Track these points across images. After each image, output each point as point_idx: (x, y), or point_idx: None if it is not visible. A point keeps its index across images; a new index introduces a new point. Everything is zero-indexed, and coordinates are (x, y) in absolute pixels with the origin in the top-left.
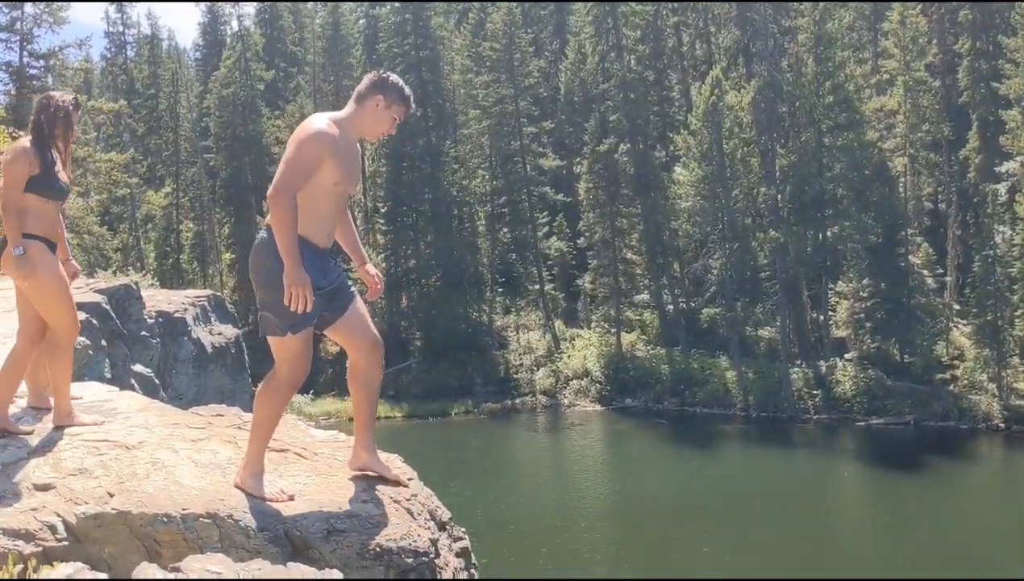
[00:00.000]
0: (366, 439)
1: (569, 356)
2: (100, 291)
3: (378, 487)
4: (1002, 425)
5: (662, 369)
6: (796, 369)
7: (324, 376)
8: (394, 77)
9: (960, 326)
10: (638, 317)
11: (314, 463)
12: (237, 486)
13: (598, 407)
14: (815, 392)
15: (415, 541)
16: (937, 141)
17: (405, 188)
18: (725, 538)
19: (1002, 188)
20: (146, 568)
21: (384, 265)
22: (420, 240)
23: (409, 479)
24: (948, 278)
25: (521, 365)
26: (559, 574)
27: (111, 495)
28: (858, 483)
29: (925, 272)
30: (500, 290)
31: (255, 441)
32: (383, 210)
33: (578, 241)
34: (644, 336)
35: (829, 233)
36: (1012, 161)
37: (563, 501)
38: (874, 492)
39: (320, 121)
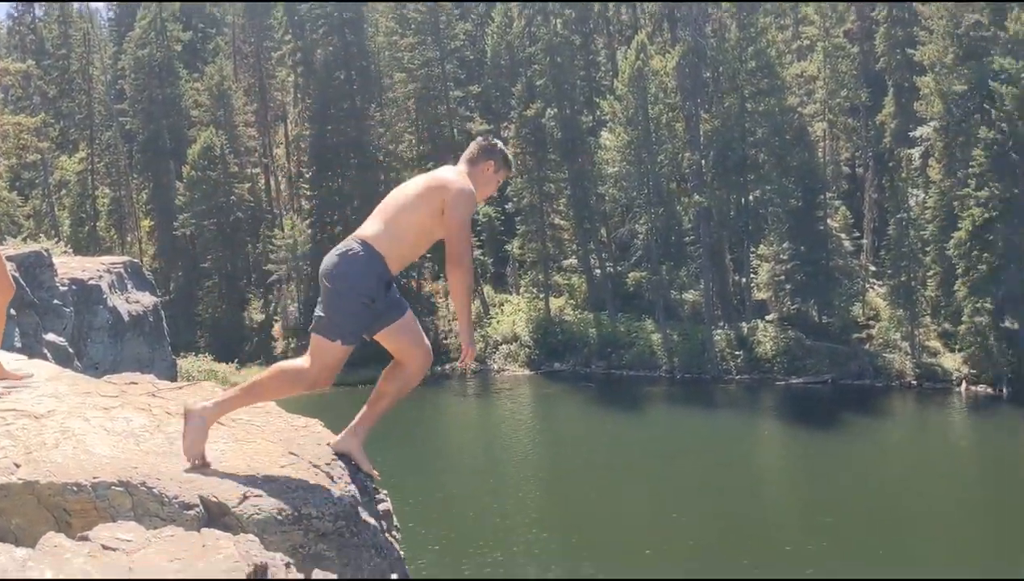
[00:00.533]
0: (365, 428)
1: (498, 321)
2: (8, 258)
3: (298, 452)
4: (914, 382)
5: (590, 333)
6: (719, 331)
7: (249, 345)
8: (500, 144)
9: (876, 287)
10: (566, 282)
11: (232, 429)
12: (187, 409)
13: (527, 371)
14: (737, 353)
15: (335, 505)
16: (855, 106)
17: (330, 152)
18: (652, 498)
19: (916, 153)
20: (52, 537)
21: (310, 231)
22: (346, 205)
23: (329, 443)
24: (864, 241)
25: (451, 331)
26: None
27: (18, 465)
28: (779, 441)
29: (843, 235)
30: (428, 256)
31: (238, 399)
32: (307, 175)
33: (506, 206)
34: (572, 300)
35: (751, 197)
36: (926, 126)
37: (492, 464)
38: (794, 449)
39: (466, 180)
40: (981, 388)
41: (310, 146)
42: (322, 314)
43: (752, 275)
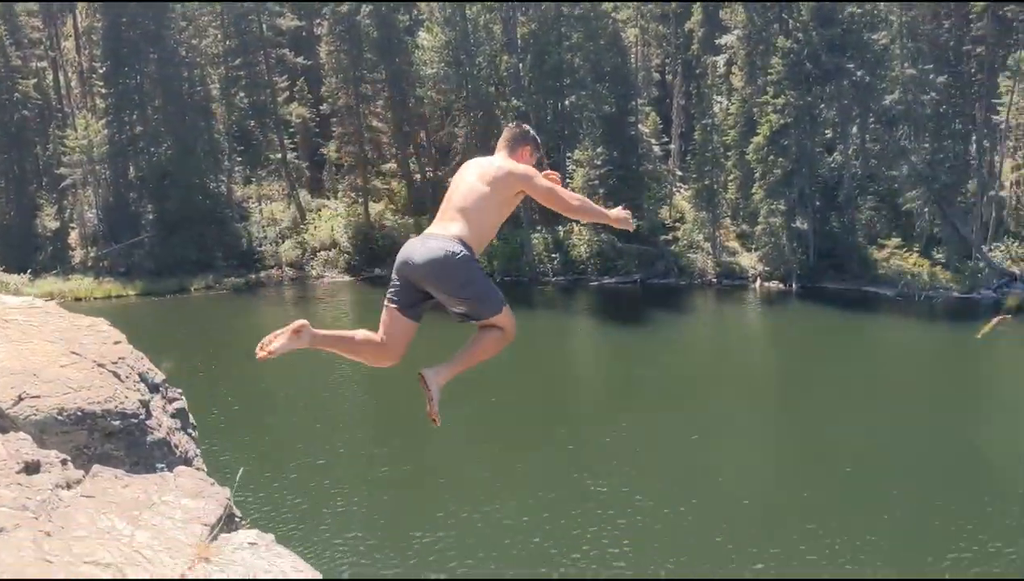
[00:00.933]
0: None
1: (316, 227)
2: None
3: (82, 351)
4: (714, 280)
5: (410, 238)
6: (536, 235)
7: (43, 255)
8: (531, 129)
9: (682, 191)
10: (385, 186)
11: (4, 330)
12: (422, 373)
13: (347, 278)
14: (554, 256)
15: (122, 403)
16: (665, 13)
17: (126, 47)
18: (465, 397)
19: (720, 60)
20: None
21: (106, 132)
22: (147, 104)
23: (116, 342)
24: (672, 146)
25: (265, 237)
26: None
27: None
28: (591, 338)
29: (652, 141)
30: (239, 159)
31: (462, 364)
32: (101, 71)
33: (321, 107)
34: (392, 206)
35: (567, 102)
36: (730, 34)
37: (306, 371)
38: (606, 345)
39: (519, 164)
40: (774, 284)
41: (103, 39)
42: (475, 306)
43: (568, 180)
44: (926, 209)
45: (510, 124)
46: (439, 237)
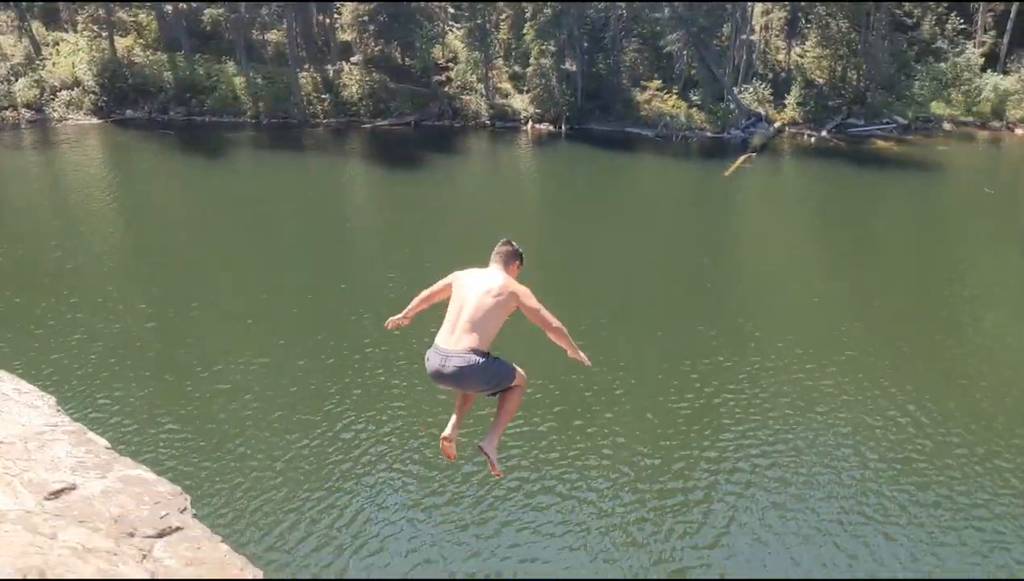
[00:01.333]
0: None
1: (54, 64)
2: None
3: None
4: (488, 122)
5: (165, 76)
6: (304, 74)
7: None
8: (518, 246)
9: (455, 30)
10: (133, 18)
11: None
12: (480, 446)
13: (95, 120)
14: (324, 97)
15: None
16: None
17: None
18: (234, 240)
19: None
20: None
21: None
22: None
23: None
24: None
25: None
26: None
27: None
28: (365, 180)
29: None
30: None
31: (502, 425)
32: None
33: None
34: (142, 40)
35: None
36: None
37: (59, 221)
38: (382, 188)
39: (516, 282)
40: (544, 126)
41: None
42: (498, 387)
43: (336, 16)
44: (685, 52)
45: (502, 241)
46: (458, 354)
